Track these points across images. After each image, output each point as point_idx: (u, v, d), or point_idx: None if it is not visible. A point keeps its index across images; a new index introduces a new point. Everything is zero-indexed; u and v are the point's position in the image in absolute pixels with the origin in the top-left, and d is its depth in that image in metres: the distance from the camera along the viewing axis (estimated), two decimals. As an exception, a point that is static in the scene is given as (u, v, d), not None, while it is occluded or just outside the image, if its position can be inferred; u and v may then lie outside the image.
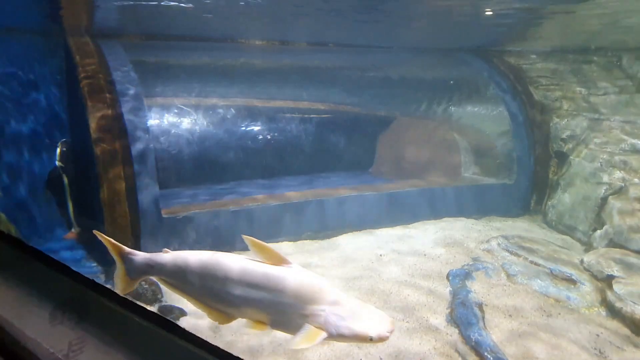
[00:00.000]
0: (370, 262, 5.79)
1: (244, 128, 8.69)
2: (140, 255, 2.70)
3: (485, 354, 3.82)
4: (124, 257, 2.73)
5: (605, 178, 6.95)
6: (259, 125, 8.82)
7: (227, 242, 6.08)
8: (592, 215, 6.90)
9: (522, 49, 9.28)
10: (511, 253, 6.00)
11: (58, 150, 6.56)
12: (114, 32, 7.22)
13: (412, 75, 9.97)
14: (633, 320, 4.50)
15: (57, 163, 6.54)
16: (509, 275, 5.44)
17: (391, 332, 2.45)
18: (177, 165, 7.77)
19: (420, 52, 9.76)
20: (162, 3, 5.52)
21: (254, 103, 8.97)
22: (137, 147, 5.61)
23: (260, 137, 8.74)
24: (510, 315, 4.61)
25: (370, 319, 2.45)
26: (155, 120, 7.84)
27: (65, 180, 6.52)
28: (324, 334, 2.39)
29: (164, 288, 4.87)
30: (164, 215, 5.76)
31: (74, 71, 6.02)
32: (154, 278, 2.88)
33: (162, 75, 8.06)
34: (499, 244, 6.26)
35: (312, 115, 9.45)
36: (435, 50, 9.69)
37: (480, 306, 4.62)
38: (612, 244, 6.25)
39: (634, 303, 4.62)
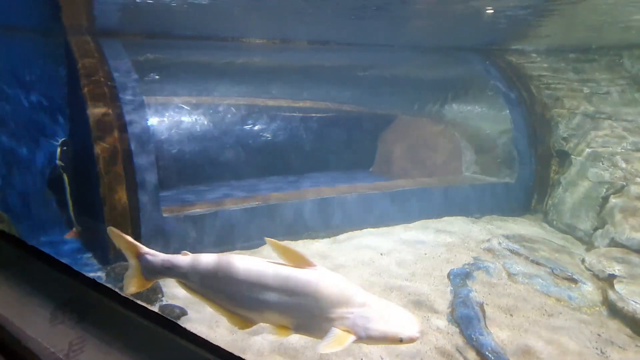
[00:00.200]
0: (370, 261, 5.79)
1: (244, 127, 8.68)
2: (158, 256, 2.63)
3: (487, 353, 3.82)
4: (140, 256, 2.65)
5: (607, 177, 6.94)
6: (259, 124, 8.81)
7: (228, 242, 6.08)
8: (594, 214, 6.89)
9: (524, 47, 9.26)
10: (512, 252, 5.99)
11: (58, 149, 6.55)
12: (114, 31, 7.21)
13: (413, 73, 9.96)
14: (634, 320, 4.49)
15: (58, 162, 6.54)
16: (510, 275, 5.43)
17: (420, 332, 2.41)
18: (177, 164, 7.77)
19: (422, 51, 9.75)
20: (162, 1, 5.51)
21: (254, 102, 8.97)
22: (137, 146, 5.61)
23: (261, 135, 8.74)
24: (511, 315, 4.61)
25: (399, 320, 2.39)
26: (156, 118, 7.83)
27: (66, 179, 6.51)
28: (352, 337, 2.33)
29: (164, 287, 4.88)
30: (165, 215, 5.76)
31: (74, 70, 6.01)
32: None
33: (163, 74, 8.04)
34: (499, 243, 6.25)
35: (312, 114, 9.45)
36: (436, 49, 9.67)
37: (481, 305, 4.61)
38: (614, 243, 6.24)
39: (636, 302, 4.61)
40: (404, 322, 2.39)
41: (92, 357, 1.94)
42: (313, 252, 6.13)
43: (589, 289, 5.14)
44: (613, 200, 6.69)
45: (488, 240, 6.43)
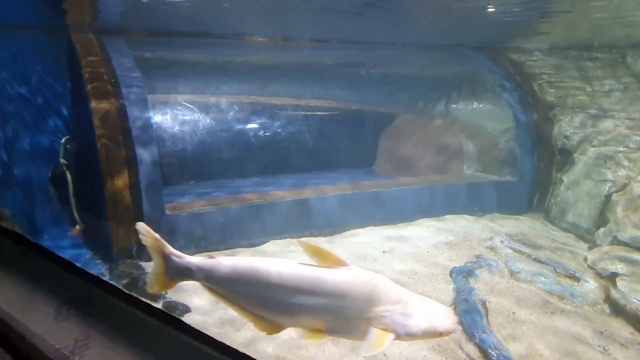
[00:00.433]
0: (373, 259, 5.79)
1: (246, 125, 8.68)
2: (183, 258, 2.52)
3: (489, 350, 3.82)
4: (166, 257, 2.54)
5: (609, 175, 6.93)
6: (261, 122, 8.82)
7: (231, 239, 6.09)
8: (596, 212, 6.89)
9: (526, 45, 9.24)
10: (514, 250, 5.99)
11: (62, 147, 6.57)
12: (117, 29, 7.22)
13: (415, 72, 9.95)
14: (637, 318, 4.49)
15: (61, 160, 6.55)
16: (512, 273, 5.43)
17: (456, 323, 2.37)
18: (180, 162, 7.77)
19: (424, 49, 9.74)
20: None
21: (256, 100, 8.97)
22: (140, 144, 5.62)
23: (263, 134, 8.74)
24: (513, 313, 4.61)
25: (435, 314, 2.35)
26: (158, 116, 7.84)
27: (69, 177, 6.53)
28: (392, 336, 2.26)
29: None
30: (168, 212, 5.77)
31: (78, 67, 6.03)
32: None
33: (165, 72, 8.05)
34: (502, 241, 6.25)
35: (314, 113, 9.44)
36: (438, 47, 9.66)
37: (483, 303, 4.61)
38: (616, 241, 6.23)
39: (638, 300, 4.61)
40: (441, 316, 2.35)
41: (97, 353, 1.95)
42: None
43: (592, 287, 5.14)
44: (615, 198, 6.68)
45: (490, 239, 6.43)
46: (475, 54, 9.17)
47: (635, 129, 7.31)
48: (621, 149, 7.12)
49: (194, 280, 2.53)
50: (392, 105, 9.87)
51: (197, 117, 8.19)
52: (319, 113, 9.48)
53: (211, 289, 2.51)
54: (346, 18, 6.89)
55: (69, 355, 1.95)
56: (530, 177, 8.21)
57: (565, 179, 7.75)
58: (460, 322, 4.32)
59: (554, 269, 5.48)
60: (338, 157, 9.29)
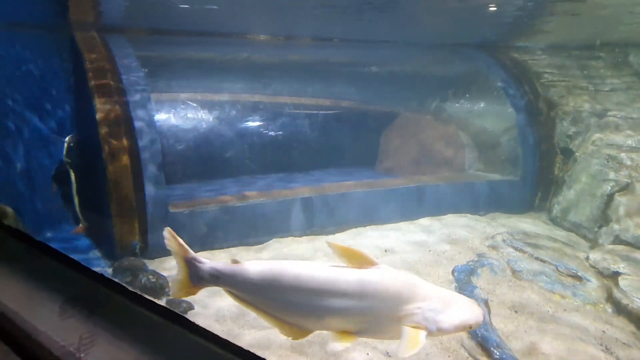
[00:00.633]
0: (375, 257, 5.78)
1: (249, 123, 8.69)
2: (207, 264, 2.46)
3: (492, 349, 3.83)
4: (189, 262, 2.50)
5: (612, 175, 6.93)
6: (264, 121, 8.83)
7: (234, 238, 6.11)
8: (598, 212, 6.89)
9: (528, 44, 9.23)
10: (516, 249, 5.99)
11: (65, 145, 6.59)
12: (120, 27, 7.23)
13: (417, 70, 9.95)
14: (639, 317, 4.49)
15: (64, 158, 6.57)
16: (514, 272, 5.43)
17: (484, 315, 2.37)
18: (183, 160, 7.79)
19: (426, 48, 9.73)
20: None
21: (259, 99, 8.97)
22: (143, 142, 5.64)
23: (266, 132, 8.75)
24: (515, 311, 4.62)
25: (463, 308, 2.33)
26: (161, 115, 7.86)
27: (72, 175, 6.55)
28: (424, 333, 2.23)
29: (170, 281, 4.90)
30: (171, 210, 5.79)
31: (81, 66, 6.04)
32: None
33: (168, 70, 8.07)
34: (504, 240, 6.26)
35: (316, 111, 9.45)
36: (440, 46, 9.66)
37: (485, 302, 4.62)
38: (618, 240, 6.24)
39: (640, 300, 4.62)
40: (469, 309, 2.34)
41: (103, 350, 1.95)
42: (317, 248, 6.14)
43: (594, 286, 5.14)
44: (618, 197, 6.68)
45: (492, 238, 6.43)
46: (477, 53, 9.17)
47: (637, 128, 7.31)
48: (624, 148, 7.11)
49: (217, 286, 2.46)
50: (393, 104, 9.87)
51: (200, 116, 8.20)
52: (321, 112, 9.49)
53: (235, 295, 2.45)
54: (348, 17, 6.89)
55: (75, 352, 1.96)
56: (532, 176, 8.21)
57: (567, 178, 7.75)
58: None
59: (556, 268, 5.48)
60: (340, 156, 9.30)
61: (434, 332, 2.26)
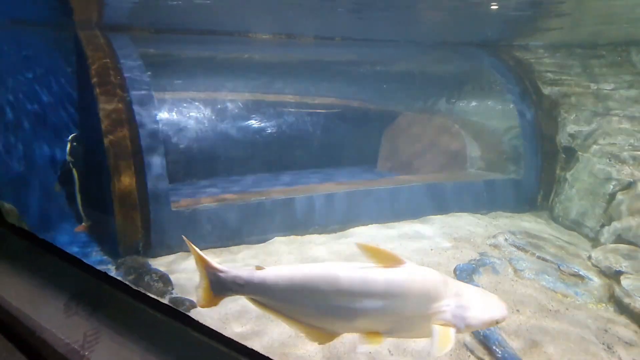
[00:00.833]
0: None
1: (252, 122, 8.71)
2: (229, 273, 2.38)
3: (494, 347, 3.83)
4: (209, 272, 2.42)
5: (614, 174, 6.92)
6: (266, 120, 8.84)
7: (236, 236, 6.12)
8: (600, 211, 6.88)
9: (530, 43, 9.22)
10: (518, 248, 5.99)
11: (68, 144, 6.61)
12: (123, 26, 7.25)
13: (419, 69, 9.94)
14: (641, 316, 4.50)
15: (68, 157, 6.59)
16: (516, 271, 5.44)
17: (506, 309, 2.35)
18: (186, 159, 7.81)
19: (428, 47, 9.73)
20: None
21: (261, 97, 8.98)
22: (147, 140, 5.65)
23: (268, 131, 8.76)
24: (517, 310, 4.62)
25: (488, 303, 2.32)
26: (165, 113, 7.87)
27: (75, 174, 6.57)
28: (453, 330, 2.21)
29: (173, 279, 4.92)
30: (174, 209, 5.80)
31: (84, 64, 6.06)
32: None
33: (171, 69, 8.08)
34: (506, 239, 6.25)
35: (319, 110, 9.45)
36: (442, 45, 9.65)
37: (487, 301, 4.62)
38: (620, 239, 6.23)
39: (642, 299, 4.61)
40: (494, 304, 2.33)
41: (107, 347, 1.97)
42: (319, 247, 6.15)
43: (596, 285, 5.14)
44: (620, 196, 6.67)
45: (494, 236, 6.43)
46: (479, 52, 9.16)
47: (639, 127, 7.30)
48: (626, 147, 7.10)
49: (242, 295, 2.40)
50: (395, 103, 9.87)
51: (203, 114, 8.22)
52: (323, 111, 9.50)
53: (257, 302, 2.38)
54: (350, 15, 6.89)
55: (79, 349, 1.97)
56: (534, 175, 8.21)
57: (569, 177, 7.74)
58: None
59: (558, 267, 5.48)
60: (341, 155, 9.30)
61: (462, 329, 2.25)
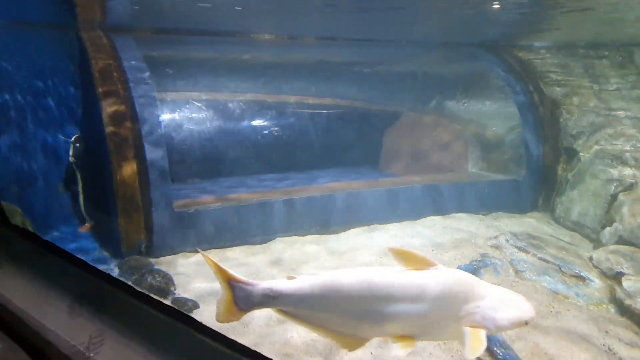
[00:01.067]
0: (378, 257, 5.82)
1: (255, 122, 8.73)
2: (257, 286, 2.21)
3: (495, 349, 3.85)
4: (233, 285, 2.24)
5: (616, 175, 6.92)
6: (269, 120, 8.86)
7: (238, 237, 6.13)
8: (602, 212, 6.88)
9: (532, 43, 9.22)
10: (519, 249, 6.00)
11: (71, 145, 6.63)
12: (126, 26, 7.27)
13: (421, 70, 9.95)
14: (642, 318, 4.50)
15: (70, 158, 6.62)
16: (517, 272, 5.44)
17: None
18: (188, 159, 7.83)
19: (430, 47, 9.73)
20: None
21: (264, 98, 9.00)
22: (149, 141, 5.67)
23: (270, 132, 8.78)
24: (518, 311, 4.62)
25: (516, 304, 2.33)
26: (167, 114, 7.89)
27: (78, 174, 6.59)
28: (484, 332, 2.21)
29: (176, 280, 4.93)
30: (176, 209, 5.82)
31: (87, 65, 6.08)
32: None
33: (173, 69, 8.10)
34: (507, 240, 6.26)
35: (320, 111, 9.47)
36: (444, 45, 9.66)
37: (488, 302, 4.63)
38: (622, 241, 6.23)
39: (643, 300, 4.62)
40: (522, 305, 2.34)
41: (112, 349, 1.98)
42: (321, 247, 6.16)
43: (597, 287, 5.15)
44: (621, 197, 6.67)
45: (495, 237, 6.43)
46: (481, 52, 9.16)
47: (642, 128, 7.30)
48: (628, 148, 7.10)
49: (272, 307, 2.25)
50: (397, 104, 9.88)
51: (205, 114, 8.24)
52: (325, 111, 9.51)
53: (289, 313, 2.27)
54: (352, 15, 6.90)
55: (84, 351, 1.98)
56: (535, 176, 8.20)
57: (571, 177, 7.74)
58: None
59: (559, 268, 5.49)
60: (344, 155, 9.32)
61: (493, 330, 2.25)
